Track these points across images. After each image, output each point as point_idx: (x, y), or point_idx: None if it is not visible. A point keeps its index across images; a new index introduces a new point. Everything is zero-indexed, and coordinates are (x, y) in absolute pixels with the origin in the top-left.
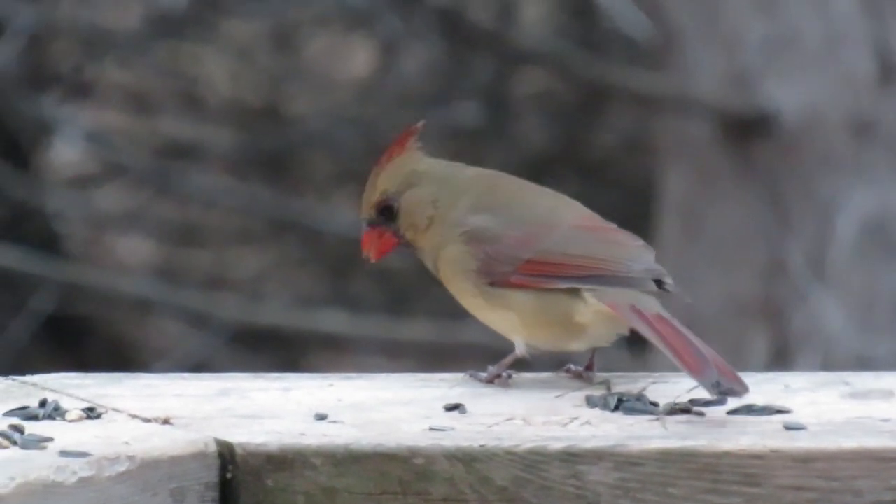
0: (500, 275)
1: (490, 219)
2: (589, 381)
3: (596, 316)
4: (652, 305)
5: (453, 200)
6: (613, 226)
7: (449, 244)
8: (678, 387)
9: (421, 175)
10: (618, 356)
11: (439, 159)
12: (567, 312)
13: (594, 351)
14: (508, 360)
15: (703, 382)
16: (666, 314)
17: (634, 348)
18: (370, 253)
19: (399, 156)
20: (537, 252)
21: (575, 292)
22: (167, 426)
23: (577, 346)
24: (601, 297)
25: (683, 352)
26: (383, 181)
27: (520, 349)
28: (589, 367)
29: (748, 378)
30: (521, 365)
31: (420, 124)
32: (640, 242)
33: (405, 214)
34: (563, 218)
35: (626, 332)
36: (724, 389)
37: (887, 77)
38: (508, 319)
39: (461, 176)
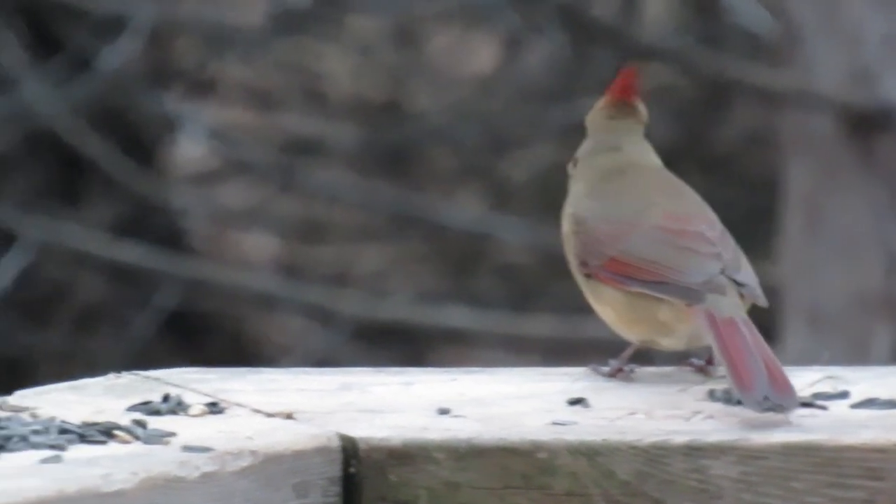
0: (592, 267)
1: (593, 208)
2: (710, 375)
3: (677, 316)
4: (729, 309)
5: (583, 173)
6: (701, 227)
7: (564, 218)
8: (801, 380)
9: (596, 126)
10: None
11: (632, 132)
12: (652, 311)
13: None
14: (627, 352)
15: (748, 399)
16: (741, 319)
17: None
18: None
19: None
20: (619, 251)
21: None
22: (290, 421)
23: (671, 343)
24: None
25: (739, 364)
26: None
27: (635, 341)
28: (709, 362)
29: (870, 372)
30: (644, 359)
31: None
32: (713, 249)
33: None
34: (648, 217)
35: None
36: (771, 406)
37: None
38: (606, 313)
39: (609, 152)
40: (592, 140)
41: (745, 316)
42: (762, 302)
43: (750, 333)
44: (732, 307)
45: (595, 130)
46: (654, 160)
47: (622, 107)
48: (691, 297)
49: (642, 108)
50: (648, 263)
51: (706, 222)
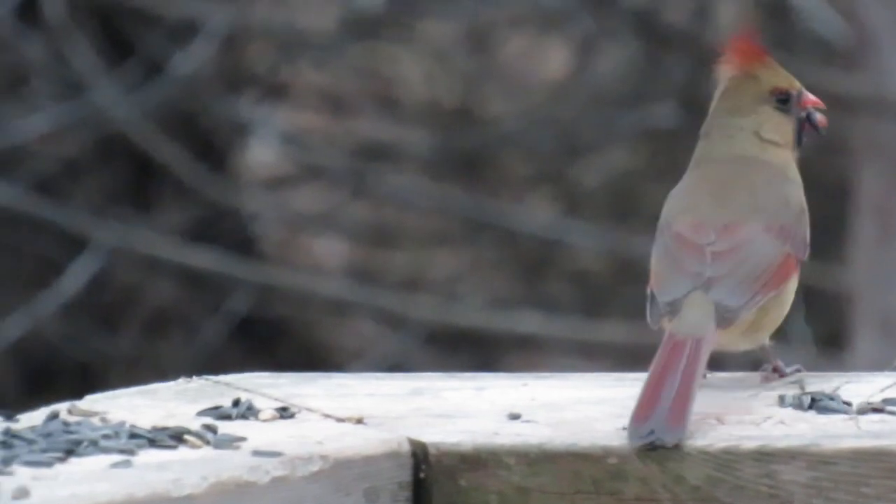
0: None
1: (668, 200)
2: (771, 381)
3: None
4: (690, 328)
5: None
6: (711, 238)
7: None
8: (872, 386)
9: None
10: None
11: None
12: None
13: (766, 351)
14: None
15: (632, 429)
16: (693, 341)
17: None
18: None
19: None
20: (652, 252)
21: None
22: (360, 426)
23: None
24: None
25: (650, 392)
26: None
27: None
28: (775, 369)
29: None
30: (716, 364)
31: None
32: (696, 268)
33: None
34: (678, 221)
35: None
36: (650, 441)
37: None
38: None
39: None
40: (710, 117)
41: (703, 335)
42: (722, 323)
43: (689, 359)
44: (695, 326)
45: (714, 107)
46: (753, 149)
47: (742, 79)
48: (652, 316)
49: (767, 73)
50: (652, 272)
51: (730, 233)
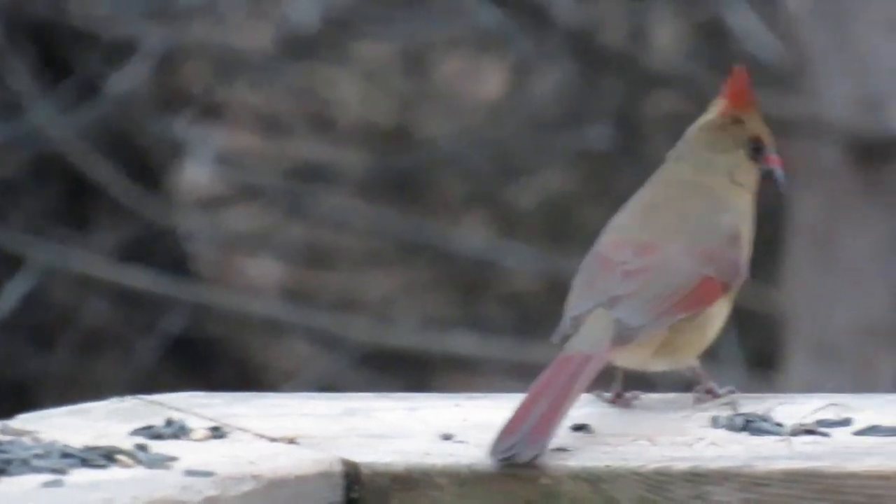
0: None
1: (612, 220)
2: (704, 402)
3: None
4: (581, 345)
5: (658, 175)
6: (627, 256)
7: None
8: (804, 407)
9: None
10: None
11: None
12: None
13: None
14: (618, 377)
15: (495, 443)
16: (581, 358)
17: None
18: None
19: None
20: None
21: None
22: (293, 445)
23: (640, 365)
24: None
25: (522, 406)
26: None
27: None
28: (708, 390)
29: (874, 399)
30: (648, 385)
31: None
32: (603, 285)
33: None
34: (603, 240)
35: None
36: (508, 457)
37: None
38: None
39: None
40: (687, 145)
41: (593, 353)
42: (619, 341)
43: (572, 376)
44: (588, 343)
45: (694, 136)
46: (723, 186)
47: (729, 119)
48: (557, 331)
49: (752, 121)
50: (571, 290)
51: (646, 252)
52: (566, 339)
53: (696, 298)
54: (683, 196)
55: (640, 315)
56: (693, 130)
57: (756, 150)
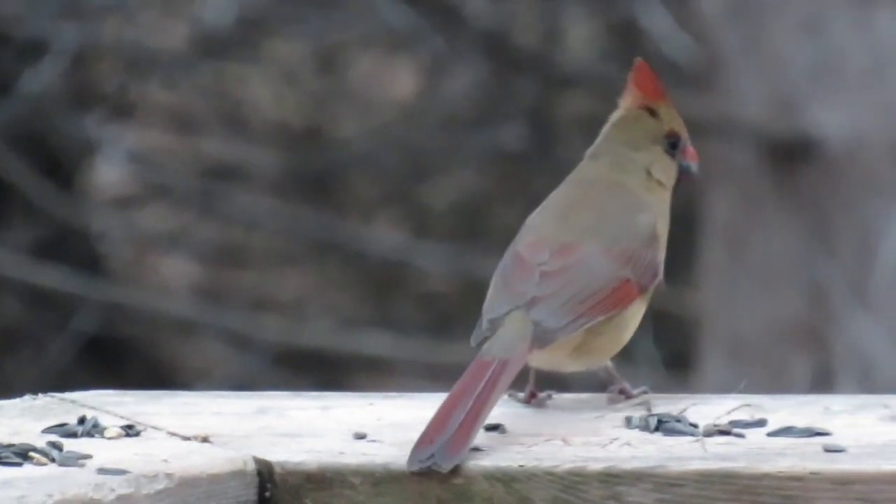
0: None
1: (528, 219)
2: (618, 402)
3: None
4: (498, 349)
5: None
6: (545, 257)
7: None
8: (718, 408)
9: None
10: (659, 377)
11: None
12: None
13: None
14: (531, 377)
15: (414, 452)
16: (498, 362)
17: (675, 370)
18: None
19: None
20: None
21: None
22: (206, 444)
23: (557, 366)
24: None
25: (439, 413)
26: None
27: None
28: (622, 390)
29: (788, 400)
30: (562, 385)
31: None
32: (520, 287)
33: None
34: (522, 240)
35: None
36: (427, 466)
37: None
38: None
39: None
40: (602, 142)
41: (510, 356)
42: (537, 343)
43: (489, 381)
44: (506, 346)
45: (608, 134)
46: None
47: (641, 114)
48: (475, 334)
49: (667, 114)
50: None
51: (564, 253)
52: (484, 341)
53: (614, 301)
54: (601, 195)
55: (558, 317)
56: (608, 127)
57: (672, 145)
